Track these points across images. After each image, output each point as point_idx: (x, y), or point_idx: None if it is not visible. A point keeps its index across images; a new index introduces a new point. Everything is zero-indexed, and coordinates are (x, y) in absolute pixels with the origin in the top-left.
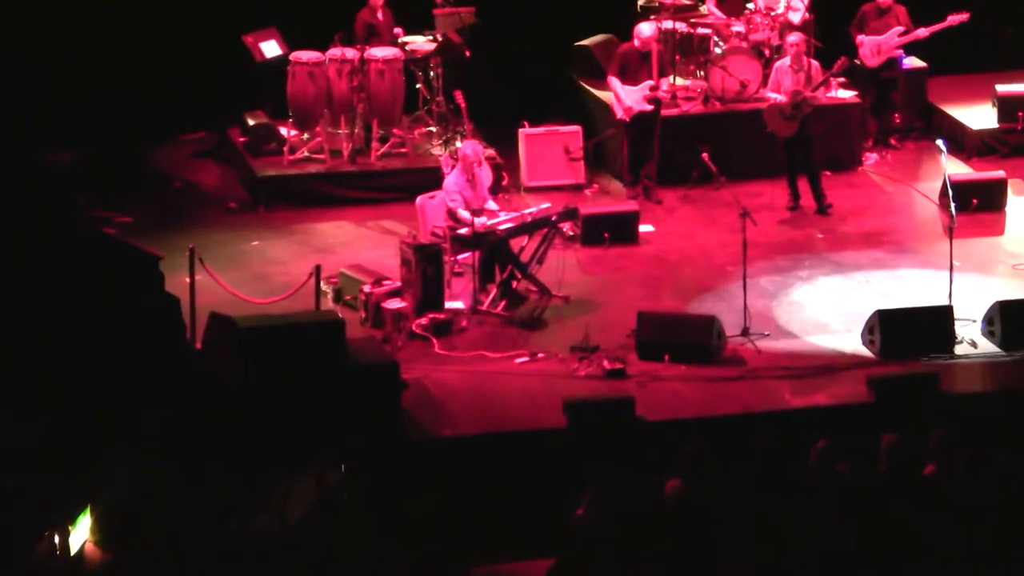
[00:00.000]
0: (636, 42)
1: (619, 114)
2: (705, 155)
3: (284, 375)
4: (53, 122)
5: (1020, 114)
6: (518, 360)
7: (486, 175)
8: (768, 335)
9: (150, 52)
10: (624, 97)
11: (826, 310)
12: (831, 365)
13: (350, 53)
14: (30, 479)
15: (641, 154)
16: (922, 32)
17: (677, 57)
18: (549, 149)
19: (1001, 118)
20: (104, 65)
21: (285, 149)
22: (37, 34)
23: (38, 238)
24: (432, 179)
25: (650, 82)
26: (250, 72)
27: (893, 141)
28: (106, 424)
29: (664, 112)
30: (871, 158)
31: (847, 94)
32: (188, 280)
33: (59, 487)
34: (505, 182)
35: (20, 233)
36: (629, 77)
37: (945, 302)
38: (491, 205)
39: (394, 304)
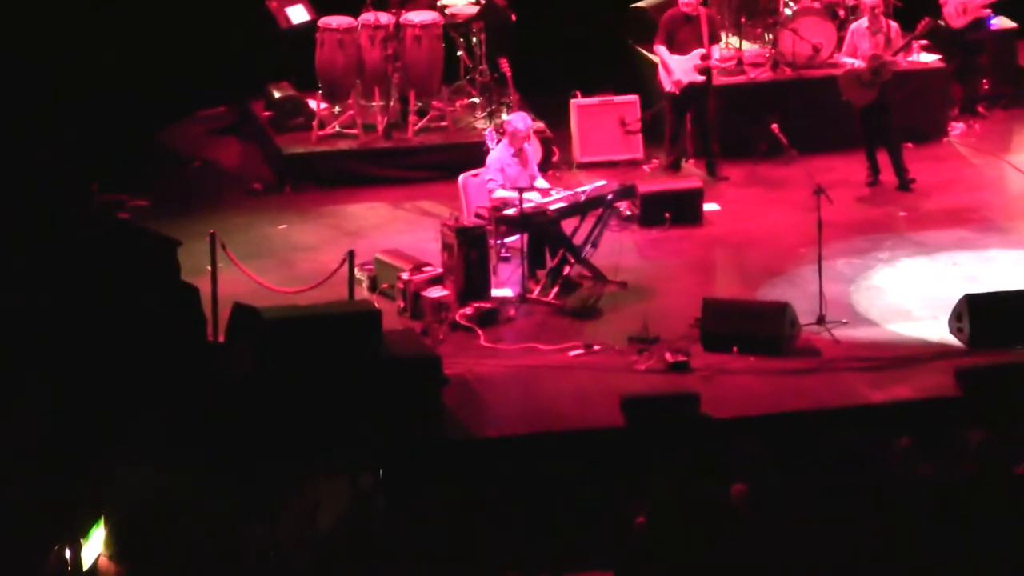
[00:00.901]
0: (682, 6)
1: (667, 87)
2: (774, 126)
3: (315, 371)
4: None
5: None
6: (571, 353)
7: (535, 150)
8: (845, 323)
9: (164, 19)
10: (673, 67)
11: (909, 295)
12: (915, 356)
13: (384, 18)
14: (37, 486)
15: (698, 129)
16: None
17: (743, 19)
18: (603, 121)
19: None
20: (112, 34)
21: (314, 124)
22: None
23: (45, 224)
24: (475, 155)
25: (700, 50)
26: (275, 40)
27: (981, 109)
28: (120, 426)
29: (729, 80)
30: (957, 128)
31: (930, 58)
32: (208, 268)
33: (69, 495)
34: (555, 158)
35: (25, 220)
36: (677, 45)
37: None
38: (541, 183)
39: (435, 293)
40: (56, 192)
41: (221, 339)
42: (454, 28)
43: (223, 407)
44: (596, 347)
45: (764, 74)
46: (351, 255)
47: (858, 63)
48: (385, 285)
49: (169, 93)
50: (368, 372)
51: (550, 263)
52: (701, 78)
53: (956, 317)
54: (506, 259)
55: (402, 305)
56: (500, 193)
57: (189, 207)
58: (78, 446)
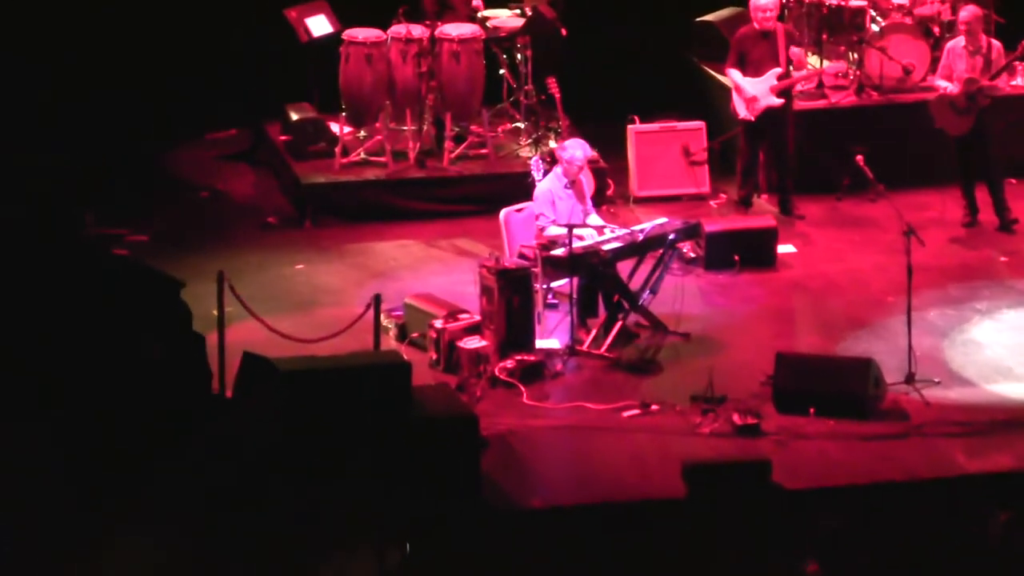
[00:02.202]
0: (757, 20)
1: (741, 113)
2: (859, 158)
3: (335, 431)
4: (51, 119)
5: None
6: (626, 413)
7: (588, 182)
8: (938, 382)
9: (168, 30)
10: (747, 91)
11: (1010, 351)
12: (1016, 420)
13: (417, 31)
14: (21, 561)
15: (773, 160)
16: None
17: (824, 36)
18: (664, 150)
19: None
20: (112, 46)
21: (337, 150)
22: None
23: (30, 260)
24: (518, 187)
25: (777, 70)
26: (293, 54)
27: None
28: (115, 493)
29: (808, 104)
30: None
31: None
32: (215, 312)
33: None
34: (610, 191)
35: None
36: (750, 66)
37: None
38: (594, 219)
39: (472, 343)
40: (42, 223)
41: (228, 394)
42: (496, 43)
43: (239, 471)
44: (654, 407)
45: (847, 98)
46: (377, 299)
47: (953, 87)
48: (416, 334)
49: (174, 113)
50: (396, 433)
51: (603, 311)
52: (779, 101)
53: None
54: (553, 306)
55: (435, 357)
56: (553, 230)
57: (194, 243)
58: (67, 517)
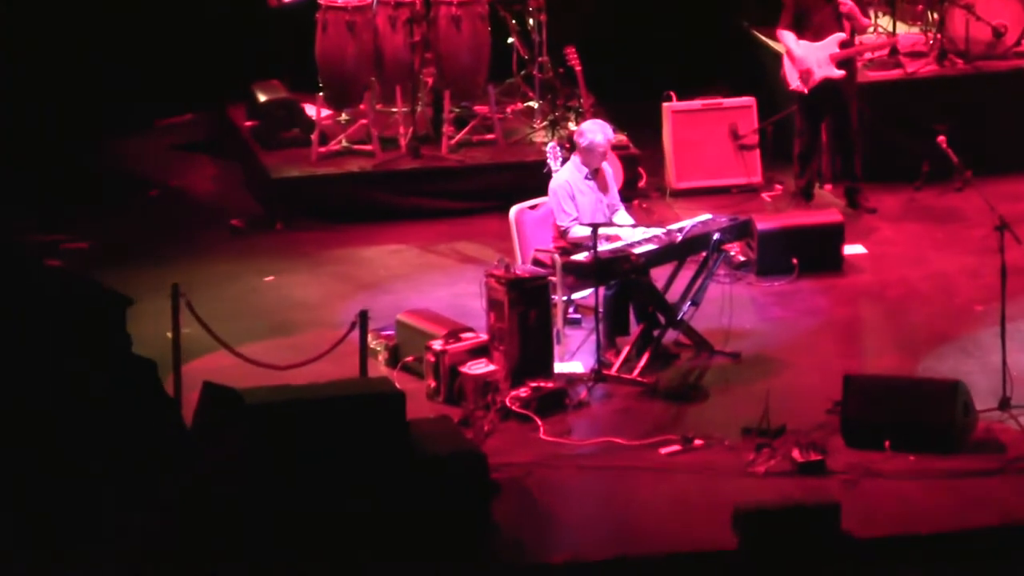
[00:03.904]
0: None
1: (792, 83)
2: (941, 139)
3: (315, 474)
4: None
5: None
6: (665, 450)
7: (615, 173)
8: None
9: None
10: (800, 57)
11: None
12: None
13: None
14: None
15: (837, 143)
16: None
17: None
18: (708, 133)
19: None
20: (45, 14)
21: (313, 137)
22: None
23: None
24: (532, 179)
25: (840, 35)
26: (261, 22)
27: None
28: (54, 536)
29: (879, 75)
30: None
31: None
32: (169, 335)
33: None
34: (642, 183)
35: None
36: (809, 30)
37: None
38: (622, 216)
39: (478, 368)
40: None
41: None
42: (504, 6)
43: (203, 517)
44: (698, 442)
45: (927, 67)
46: (364, 317)
47: None
48: (411, 358)
49: (119, 94)
50: (389, 477)
51: (635, 327)
52: (840, 72)
53: None
54: (575, 322)
55: (433, 385)
56: (579, 231)
57: (144, 251)
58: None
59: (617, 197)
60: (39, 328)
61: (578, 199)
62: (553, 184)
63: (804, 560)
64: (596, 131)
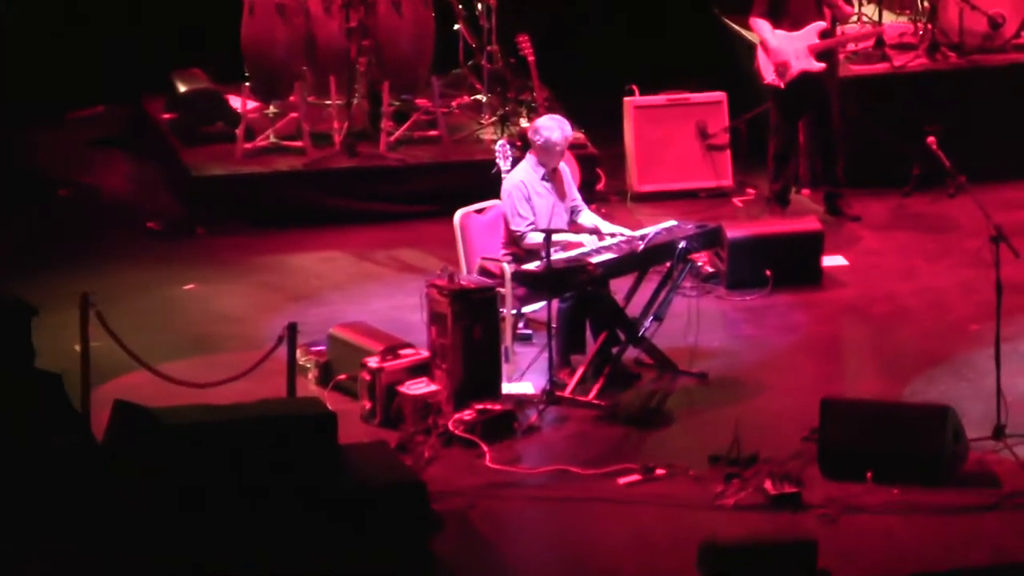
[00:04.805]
0: None
1: (767, 77)
2: (932, 140)
3: (236, 504)
4: None
5: None
6: (624, 480)
7: (571, 173)
8: None
9: None
10: (776, 49)
11: None
12: None
13: None
14: None
15: (816, 143)
16: None
17: None
18: (674, 131)
19: None
20: None
21: (238, 132)
22: None
23: None
24: (480, 181)
25: (820, 24)
26: (181, 4)
27: None
28: None
29: (863, 69)
30: None
31: None
32: (78, 348)
33: None
34: (601, 185)
35: None
36: (787, 18)
37: None
38: (588, 216)
39: (419, 388)
40: None
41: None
42: None
43: (112, 549)
44: (660, 471)
45: (917, 61)
46: (292, 330)
47: None
48: (344, 376)
49: (23, 84)
50: (318, 507)
51: (592, 345)
52: (820, 65)
53: None
54: (526, 337)
55: (369, 406)
56: (535, 238)
57: (51, 256)
58: None
59: (579, 197)
60: None
61: (534, 201)
62: (507, 185)
63: None
64: (553, 128)
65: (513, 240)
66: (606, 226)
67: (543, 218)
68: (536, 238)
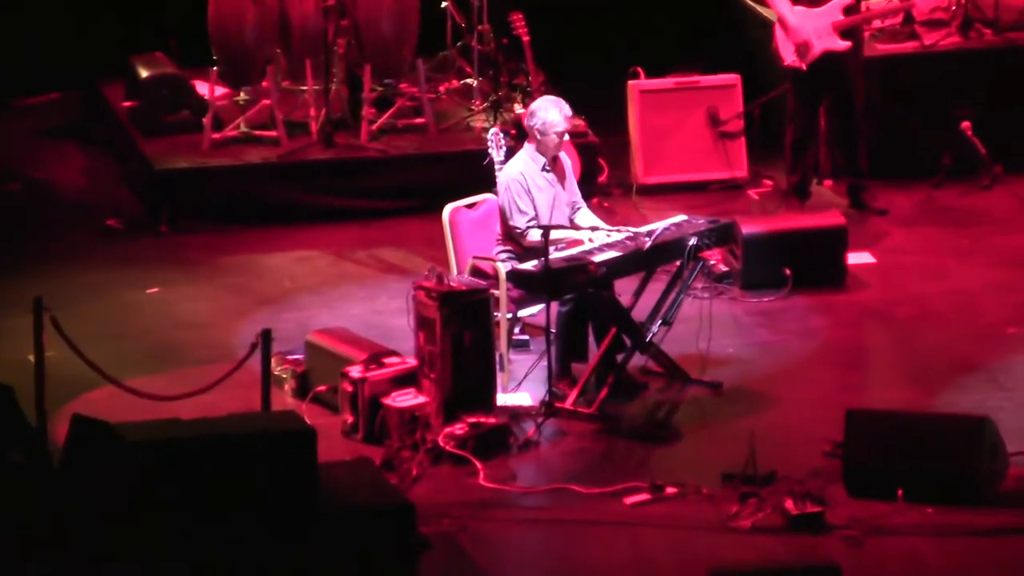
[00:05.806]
0: None
1: (787, 58)
2: (965, 125)
3: (207, 527)
4: None
5: None
6: (630, 500)
7: (571, 164)
8: None
9: None
10: (796, 27)
11: None
12: None
13: None
14: None
15: (838, 130)
16: None
17: None
18: (682, 117)
19: None
20: None
21: (205, 121)
22: None
23: None
24: (470, 172)
25: (844, 0)
26: None
27: None
28: None
29: (890, 48)
30: None
31: None
32: (31, 358)
33: None
34: (603, 177)
35: None
36: None
37: None
38: (585, 216)
39: (405, 400)
40: None
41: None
42: None
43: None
44: (670, 490)
45: (949, 39)
46: (266, 337)
47: None
48: (323, 387)
49: None
50: (295, 529)
51: (594, 351)
52: (844, 44)
53: None
54: (522, 344)
55: (351, 420)
56: (537, 235)
57: (0, 257)
58: None
59: (578, 193)
60: None
61: (535, 195)
62: (504, 177)
63: None
64: (549, 107)
65: (510, 237)
66: (607, 228)
67: (544, 213)
68: (538, 235)
